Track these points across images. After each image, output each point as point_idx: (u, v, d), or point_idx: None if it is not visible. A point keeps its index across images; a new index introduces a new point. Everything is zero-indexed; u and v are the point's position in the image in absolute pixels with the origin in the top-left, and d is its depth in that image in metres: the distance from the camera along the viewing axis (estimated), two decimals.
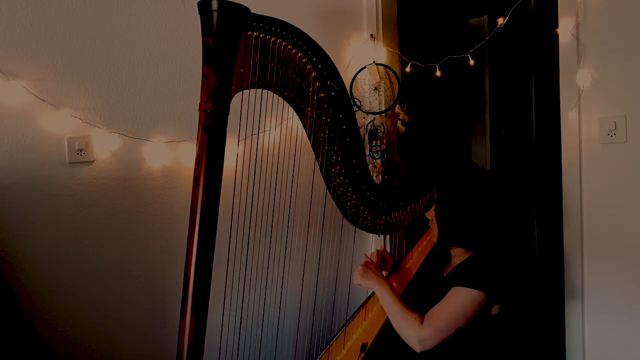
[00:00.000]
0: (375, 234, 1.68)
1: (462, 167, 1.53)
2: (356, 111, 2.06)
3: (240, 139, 1.22)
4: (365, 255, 1.65)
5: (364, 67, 2.10)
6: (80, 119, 1.61)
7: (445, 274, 1.56)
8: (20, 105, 1.52)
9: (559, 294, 1.86)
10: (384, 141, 2.11)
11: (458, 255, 1.49)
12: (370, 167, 2.06)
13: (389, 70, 2.11)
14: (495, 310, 1.38)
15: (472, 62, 1.96)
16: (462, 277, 1.37)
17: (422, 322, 1.34)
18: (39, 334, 1.58)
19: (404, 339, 1.36)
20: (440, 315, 1.33)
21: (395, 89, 2.11)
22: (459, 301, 1.32)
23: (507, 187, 1.58)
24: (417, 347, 1.32)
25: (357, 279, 1.52)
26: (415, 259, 1.69)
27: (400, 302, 1.41)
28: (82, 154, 1.63)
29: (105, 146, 1.67)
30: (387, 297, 1.43)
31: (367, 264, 1.55)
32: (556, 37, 1.78)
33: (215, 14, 1.06)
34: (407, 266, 1.69)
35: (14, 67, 1.51)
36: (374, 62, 2.09)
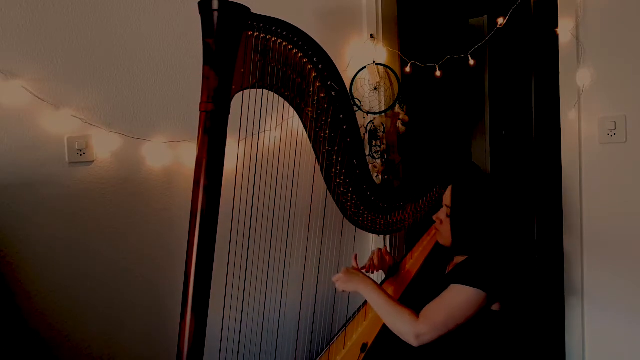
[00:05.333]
0: (375, 234, 1.68)
1: (470, 171, 1.50)
2: (356, 111, 2.06)
3: (241, 139, 1.22)
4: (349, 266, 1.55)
5: (364, 67, 2.10)
6: (80, 119, 1.61)
7: (447, 272, 1.55)
8: (20, 105, 1.52)
9: (559, 293, 1.86)
10: (384, 141, 2.11)
11: (460, 254, 1.49)
12: (370, 167, 2.06)
13: (389, 70, 2.11)
14: (496, 306, 1.37)
15: (472, 62, 1.96)
16: (462, 275, 1.36)
17: (417, 317, 1.33)
18: (38, 334, 1.57)
19: (399, 334, 1.35)
20: (438, 311, 1.32)
21: (395, 89, 2.11)
22: (458, 299, 1.32)
23: (512, 190, 1.57)
24: (414, 343, 1.31)
25: (341, 285, 1.44)
26: (415, 259, 1.69)
27: (391, 298, 1.39)
28: (82, 154, 1.62)
29: (105, 146, 1.67)
30: (375, 296, 1.39)
31: (349, 268, 1.48)
32: (556, 37, 1.78)
33: (215, 14, 1.05)
34: (407, 267, 1.69)
35: (14, 67, 1.51)
36: (374, 62, 2.09)
